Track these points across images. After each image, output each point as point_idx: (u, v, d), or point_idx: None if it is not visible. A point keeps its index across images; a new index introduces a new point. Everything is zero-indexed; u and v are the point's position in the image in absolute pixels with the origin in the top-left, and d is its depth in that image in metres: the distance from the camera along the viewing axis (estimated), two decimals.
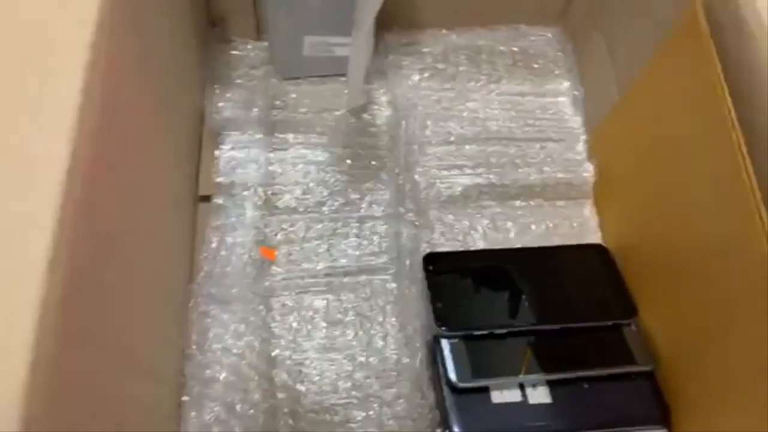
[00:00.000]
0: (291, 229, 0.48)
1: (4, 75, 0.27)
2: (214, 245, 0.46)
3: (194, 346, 0.42)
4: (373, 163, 0.51)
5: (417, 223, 0.48)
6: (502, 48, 0.57)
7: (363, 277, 0.47)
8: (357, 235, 0.48)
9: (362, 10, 0.42)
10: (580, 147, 0.53)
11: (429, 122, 0.53)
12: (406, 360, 0.43)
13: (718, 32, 0.35)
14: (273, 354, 0.43)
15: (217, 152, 0.50)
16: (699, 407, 0.39)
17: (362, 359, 0.43)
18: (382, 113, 0.53)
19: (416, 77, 0.54)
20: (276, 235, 0.48)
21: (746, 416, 0.34)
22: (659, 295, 0.43)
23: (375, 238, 0.48)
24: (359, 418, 0.41)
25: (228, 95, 0.52)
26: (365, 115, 0.53)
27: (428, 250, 0.47)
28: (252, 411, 0.41)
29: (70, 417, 0.25)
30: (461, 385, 0.40)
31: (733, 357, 0.34)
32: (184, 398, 0.41)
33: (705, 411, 0.38)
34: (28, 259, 0.23)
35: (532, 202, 0.51)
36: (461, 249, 0.48)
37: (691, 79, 0.37)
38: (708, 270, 0.36)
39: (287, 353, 0.43)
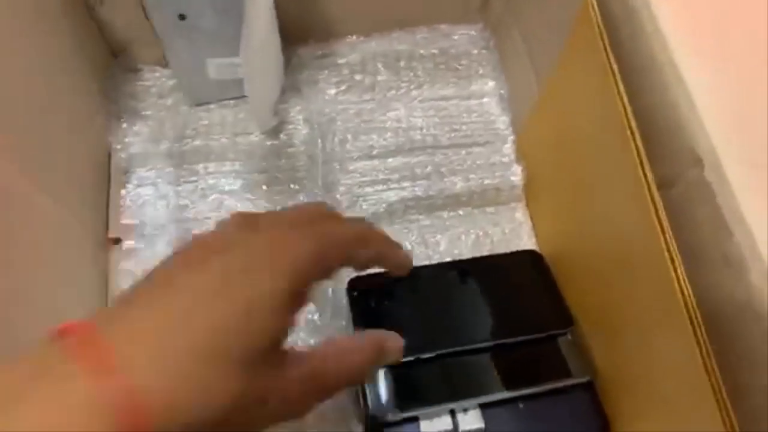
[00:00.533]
0: None
1: None
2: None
3: None
4: (292, 186, 0.48)
5: None
6: (422, 51, 0.55)
7: None
8: None
9: (248, 26, 0.40)
10: (508, 149, 0.50)
11: (349, 136, 0.50)
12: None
13: (614, 26, 0.33)
14: None
15: (123, 191, 0.47)
16: (634, 417, 0.37)
17: None
18: (300, 132, 0.50)
19: (332, 91, 0.52)
20: None
21: (671, 424, 0.32)
22: (590, 302, 0.40)
23: None
24: None
25: (135, 128, 0.50)
26: (282, 136, 0.50)
27: (352, 275, 0.45)
28: None
29: None
30: (384, 419, 0.37)
31: (656, 365, 0.32)
32: None
33: (639, 421, 0.36)
34: None
35: (460, 212, 0.48)
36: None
37: (589, 77, 0.35)
38: (622, 276, 0.34)
39: None
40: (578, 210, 0.40)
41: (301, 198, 0.48)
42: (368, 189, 0.48)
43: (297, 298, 0.25)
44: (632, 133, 0.30)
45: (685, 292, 0.27)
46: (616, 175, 0.33)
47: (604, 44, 0.32)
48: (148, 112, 0.51)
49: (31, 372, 0.19)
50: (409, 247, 0.47)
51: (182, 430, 0.20)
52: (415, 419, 0.38)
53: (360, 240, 0.29)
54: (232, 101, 0.52)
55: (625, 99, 0.31)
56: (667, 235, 0.28)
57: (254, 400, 0.23)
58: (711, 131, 0.27)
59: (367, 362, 0.28)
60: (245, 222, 0.27)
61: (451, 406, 0.38)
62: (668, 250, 0.28)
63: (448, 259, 0.46)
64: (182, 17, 0.46)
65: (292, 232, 0.26)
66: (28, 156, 0.37)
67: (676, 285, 0.28)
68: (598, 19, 0.33)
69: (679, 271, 0.28)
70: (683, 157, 0.28)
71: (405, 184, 0.48)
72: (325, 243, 0.26)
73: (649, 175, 0.29)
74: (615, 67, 0.31)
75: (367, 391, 0.38)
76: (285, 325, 0.24)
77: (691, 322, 0.27)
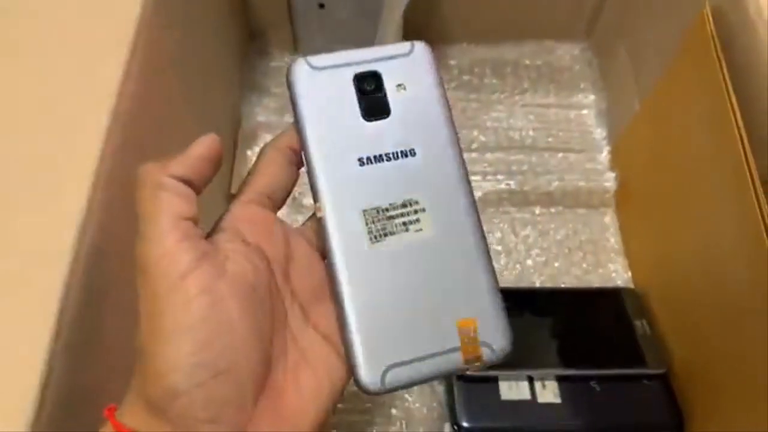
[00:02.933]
0: None
1: (42, 70, 0.30)
2: None
3: None
4: None
5: None
6: (527, 62, 0.59)
7: None
8: None
9: (385, 19, 0.45)
10: (603, 158, 0.53)
11: None
12: None
13: (731, 37, 0.35)
14: None
15: (249, 152, 0.53)
16: (714, 414, 0.38)
17: None
18: None
19: None
20: None
21: (758, 423, 0.33)
22: (674, 298, 0.42)
23: None
24: (368, 406, 0.42)
25: (264, 102, 0.56)
26: None
27: None
28: None
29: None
30: (468, 373, 0.40)
31: (749, 363, 0.34)
32: None
33: (720, 418, 0.37)
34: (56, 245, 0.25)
35: (552, 209, 0.51)
36: None
37: (700, 91, 0.37)
38: (720, 278, 0.36)
39: None
40: (675, 220, 0.42)
41: None
42: None
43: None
44: (743, 146, 0.32)
45: None
46: (723, 187, 0.35)
47: (718, 56, 0.35)
48: (276, 90, 0.57)
49: None
50: (498, 235, 0.50)
51: None
52: (494, 380, 0.41)
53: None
54: None
55: (738, 114, 0.33)
56: None
57: None
58: None
59: None
60: None
61: (530, 372, 0.41)
62: None
63: (535, 253, 0.49)
64: (322, 6, 0.52)
65: None
66: (177, 111, 0.43)
67: None
68: (713, 31, 0.36)
69: None
70: None
71: (501, 177, 0.52)
72: None
73: (760, 190, 0.31)
74: (728, 80, 0.34)
75: None
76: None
77: None
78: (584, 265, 0.49)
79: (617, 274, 0.48)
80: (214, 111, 0.51)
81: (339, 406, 0.42)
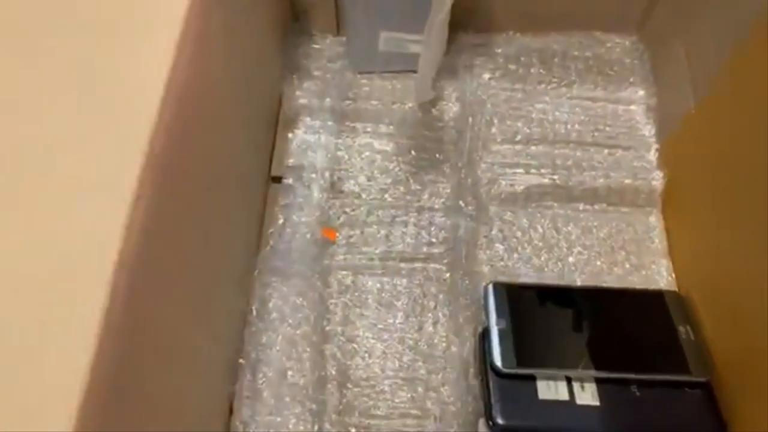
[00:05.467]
0: (353, 213, 0.50)
1: (94, 45, 0.30)
2: (280, 222, 0.49)
3: (254, 313, 0.45)
4: (437, 156, 0.52)
5: (476, 218, 0.49)
6: (575, 53, 0.57)
7: (418, 265, 0.48)
8: (415, 224, 0.49)
9: (436, 5, 0.44)
10: (651, 156, 0.52)
11: (496, 120, 0.53)
12: (454, 348, 0.44)
13: None
14: (327, 329, 0.45)
15: (290, 135, 0.53)
16: (759, 425, 0.37)
17: (411, 342, 0.44)
18: (450, 109, 0.54)
19: (486, 76, 0.55)
20: (338, 217, 0.50)
21: None
22: (721, 303, 0.41)
23: (432, 228, 0.49)
24: (404, 399, 0.42)
25: (305, 85, 0.55)
26: (434, 110, 0.54)
27: (485, 245, 0.48)
28: (302, 380, 0.43)
29: (142, 354, 0.27)
30: (505, 370, 0.40)
31: None
32: (241, 361, 0.43)
33: (765, 429, 0.36)
34: (110, 215, 0.25)
35: (595, 206, 0.50)
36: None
37: (765, 92, 0.35)
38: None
39: (340, 329, 0.45)
40: (726, 219, 0.41)
41: (445, 168, 0.51)
42: (508, 170, 0.51)
43: None
44: None
45: None
46: None
47: None
48: (317, 73, 0.56)
49: None
50: (540, 230, 0.49)
51: None
52: (532, 379, 0.40)
53: None
54: (391, 74, 0.56)
55: None
56: None
57: None
58: None
59: None
60: None
61: (569, 373, 0.40)
62: None
63: (577, 251, 0.48)
64: None
65: None
66: (222, 90, 0.43)
67: None
68: None
69: None
70: None
71: (544, 171, 0.51)
72: None
73: None
74: None
75: (493, 344, 0.41)
76: None
77: None
78: (627, 266, 0.47)
79: (660, 276, 0.47)
80: (256, 91, 0.50)
81: (370, 403, 0.42)
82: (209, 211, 0.38)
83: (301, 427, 0.41)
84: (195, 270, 0.35)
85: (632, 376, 0.41)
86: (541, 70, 0.56)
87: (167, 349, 0.31)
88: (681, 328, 0.43)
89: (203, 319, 0.37)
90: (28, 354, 0.23)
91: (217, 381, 0.41)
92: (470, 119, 0.53)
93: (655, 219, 0.50)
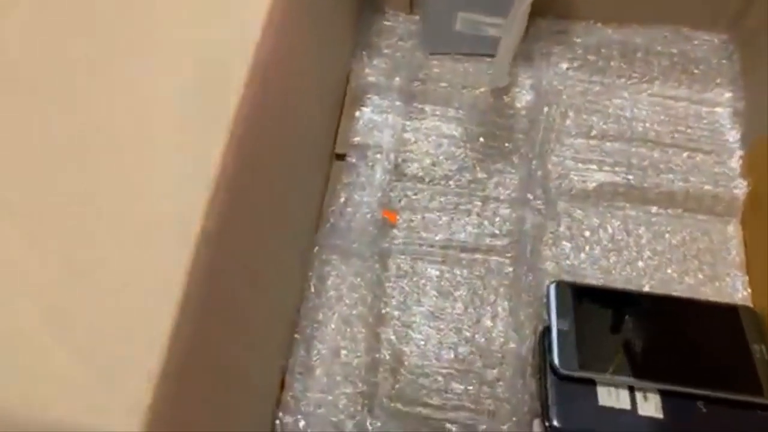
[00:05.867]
0: (415, 197, 0.49)
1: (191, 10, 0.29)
2: (342, 200, 0.48)
3: (312, 289, 0.44)
4: (507, 145, 0.50)
5: (543, 212, 0.47)
6: (659, 48, 0.54)
7: (479, 256, 0.46)
8: (479, 214, 0.48)
9: None
10: (734, 163, 0.49)
11: (571, 112, 0.51)
12: (512, 345, 0.43)
13: None
14: (383, 312, 0.44)
15: (357, 113, 0.52)
16: None
17: (468, 335, 0.43)
18: (523, 97, 0.52)
19: (564, 65, 0.53)
20: (400, 200, 0.49)
21: None
22: None
23: (497, 219, 0.48)
24: (458, 391, 0.41)
25: (374, 62, 0.54)
26: (505, 97, 0.52)
27: (551, 241, 0.46)
28: (356, 360, 0.42)
29: (213, 317, 0.27)
30: (565, 372, 0.39)
31: None
32: (296, 336, 0.43)
33: None
34: (197, 182, 0.25)
35: (670, 211, 0.48)
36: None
37: None
38: None
39: (396, 314, 0.44)
40: None
41: (514, 158, 0.50)
42: (580, 165, 0.49)
43: None
44: None
45: None
46: None
47: None
48: (387, 51, 0.55)
49: None
50: (609, 231, 0.47)
51: None
52: (592, 384, 0.39)
53: None
54: (463, 56, 0.55)
55: None
56: None
57: None
58: None
59: None
60: None
61: (632, 382, 0.39)
62: None
63: (647, 255, 0.46)
64: None
65: None
66: (299, 62, 0.42)
67: None
68: None
69: None
70: None
71: (619, 169, 0.49)
72: None
73: None
74: None
75: (554, 345, 0.40)
76: None
77: None
78: (699, 276, 0.45)
79: (735, 289, 0.45)
80: (328, 65, 0.49)
81: (423, 392, 0.41)
82: (281, 184, 0.37)
83: (352, 408, 0.41)
84: (264, 242, 0.35)
85: (700, 391, 0.39)
86: (622, 64, 0.53)
87: (234, 314, 0.31)
88: (755, 347, 0.41)
89: (267, 289, 0.37)
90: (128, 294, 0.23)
91: (273, 353, 0.41)
92: (545, 109, 0.51)
93: (733, 229, 0.47)
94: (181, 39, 0.28)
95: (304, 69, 0.39)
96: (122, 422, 0.21)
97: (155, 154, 0.25)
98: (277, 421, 0.41)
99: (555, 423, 0.38)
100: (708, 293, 0.45)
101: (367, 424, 0.41)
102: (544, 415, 0.39)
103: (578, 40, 0.54)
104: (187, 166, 0.25)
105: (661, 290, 0.45)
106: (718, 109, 0.52)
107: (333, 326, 0.44)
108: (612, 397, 0.39)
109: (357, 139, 0.51)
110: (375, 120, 0.51)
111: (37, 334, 0.22)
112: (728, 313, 0.43)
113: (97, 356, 0.22)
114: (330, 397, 0.41)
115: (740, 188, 0.47)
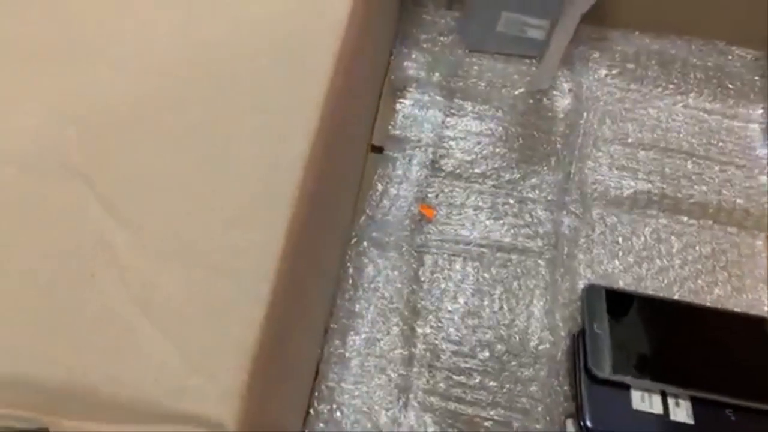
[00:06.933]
0: (452, 193, 0.49)
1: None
2: (378, 193, 0.48)
3: (350, 281, 0.44)
4: (544, 147, 0.51)
5: (580, 216, 0.48)
6: (695, 61, 0.55)
7: (515, 256, 0.47)
8: (515, 215, 0.48)
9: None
10: (764, 179, 0.50)
11: (608, 119, 0.52)
12: (547, 345, 0.43)
13: None
14: (419, 306, 0.44)
15: (397, 106, 0.52)
16: None
17: (503, 334, 0.44)
18: (563, 101, 0.53)
19: (603, 72, 0.54)
20: (437, 196, 0.49)
21: None
22: None
23: (533, 221, 0.48)
24: (492, 388, 0.42)
25: (414, 56, 0.54)
26: (545, 100, 0.53)
27: (586, 246, 0.47)
28: (391, 353, 0.43)
29: (293, 304, 0.27)
30: (600, 375, 0.39)
31: None
32: (332, 325, 0.43)
33: None
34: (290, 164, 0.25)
35: (701, 222, 0.49)
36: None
37: None
38: None
39: (432, 309, 0.44)
40: None
41: (552, 161, 0.50)
42: (616, 172, 0.50)
43: None
44: None
45: None
46: None
47: None
48: (426, 45, 0.55)
49: None
50: (642, 239, 0.48)
51: None
52: (626, 388, 0.40)
53: None
54: (503, 56, 0.55)
55: None
56: None
57: None
58: None
59: None
60: None
61: (665, 387, 0.40)
62: None
63: (678, 264, 0.47)
64: None
65: None
66: (364, 54, 0.42)
67: None
68: None
69: None
70: None
71: (654, 178, 0.49)
72: None
73: None
74: None
75: (589, 348, 0.40)
76: None
77: None
78: (728, 287, 0.46)
79: (762, 302, 0.46)
80: (375, 56, 0.49)
81: (458, 388, 0.42)
82: (339, 172, 0.37)
83: (386, 400, 0.41)
84: (323, 229, 0.35)
85: (730, 400, 0.40)
86: (660, 74, 0.54)
87: (303, 303, 0.31)
88: None
89: (320, 278, 0.37)
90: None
91: (312, 341, 0.41)
92: (585, 114, 0.51)
93: (762, 244, 0.48)
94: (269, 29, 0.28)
95: (366, 60, 0.39)
96: (216, 408, 0.21)
97: (247, 143, 0.25)
98: (311, 410, 0.41)
99: (589, 424, 0.39)
100: (736, 305, 0.46)
101: (402, 416, 0.41)
102: (578, 416, 0.39)
103: (618, 48, 0.55)
104: (277, 152, 0.25)
105: (690, 299, 0.45)
106: (752, 125, 0.52)
107: (369, 318, 0.44)
108: (645, 402, 0.40)
109: (396, 132, 0.51)
110: (415, 114, 0.51)
111: (128, 314, 0.22)
112: (757, 324, 0.44)
113: (190, 340, 0.22)
114: (365, 389, 0.42)
115: None
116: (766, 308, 0.46)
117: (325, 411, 0.41)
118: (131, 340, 0.21)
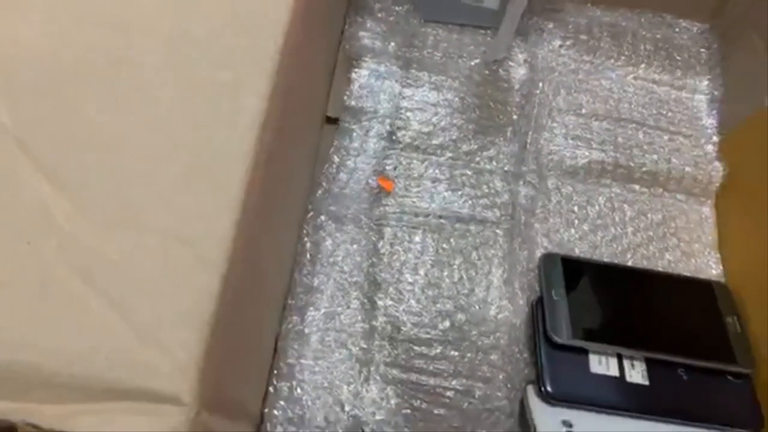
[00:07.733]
0: (410, 165, 0.49)
1: None
2: (335, 165, 0.47)
3: (307, 255, 0.43)
4: (501, 117, 0.51)
5: (537, 186, 0.48)
6: (645, 33, 0.56)
7: (474, 227, 0.47)
8: (473, 186, 0.48)
9: None
10: (710, 148, 0.51)
11: (562, 90, 0.52)
12: (506, 314, 0.43)
13: None
14: (378, 279, 0.44)
15: (353, 76, 0.50)
16: None
17: (463, 303, 0.44)
18: (518, 71, 0.52)
19: (557, 43, 0.54)
20: (395, 168, 0.48)
21: None
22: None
23: (491, 191, 0.48)
24: (454, 358, 0.42)
25: (369, 25, 0.53)
26: (500, 71, 0.52)
27: (541, 215, 0.47)
28: (351, 327, 0.42)
29: (248, 276, 0.26)
30: (559, 341, 0.40)
31: None
32: (290, 301, 0.42)
33: None
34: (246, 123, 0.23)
35: (652, 190, 0.50)
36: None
37: None
38: None
39: (392, 281, 0.44)
40: None
41: (508, 132, 0.50)
42: (571, 142, 0.50)
43: None
44: None
45: None
46: None
47: None
48: (381, 14, 0.54)
49: None
50: (596, 208, 0.49)
51: None
52: (584, 352, 0.41)
53: None
54: (458, 26, 0.54)
55: None
56: None
57: None
58: None
59: None
60: None
61: (621, 350, 0.41)
62: None
63: (630, 231, 0.48)
64: None
65: None
66: (314, 22, 0.40)
67: None
68: None
69: None
70: None
71: (607, 148, 0.50)
72: None
73: None
74: None
75: (547, 315, 0.41)
76: None
77: None
78: (678, 253, 0.48)
79: (709, 267, 0.47)
80: (327, 26, 0.47)
81: (420, 359, 0.41)
82: (292, 143, 0.36)
83: (348, 375, 0.41)
84: (280, 202, 0.33)
85: (681, 360, 0.41)
86: (611, 46, 0.54)
87: (260, 277, 0.30)
88: (728, 319, 0.43)
89: (277, 252, 0.36)
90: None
91: (270, 316, 0.40)
92: (540, 85, 0.51)
93: (708, 210, 0.50)
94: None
95: (318, 25, 0.37)
96: (171, 383, 0.20)
97: (200, 101, 0.23)
98: (271, 389, 0.40)
99: (549, 389, 0.40)
100: (685, 269, 0.47)
101: (364, 390, 0.40)
102: (539, 382, 0.40)
103: (570, 19, 0.55)
104: (231, 110, 0.23)
105: (643, 265, 0.47)
106: (698, 96, 0.54)
107: (328, 292, 0.43)
108: (603, 365, 0.41)
109: (352, 103, 0.49)
110: (371, 84, 0.50)
111: (70, 285, 0.20)
112: (704, 288, 0.45)
113: (140, 311, 0.20)
114: (325, 364, 0.41)
115: (718, 172, 0.50)
116: (713, 272, 0.47)
117: (285, 389, 0.40)
118: (74, 312, 0.20)
